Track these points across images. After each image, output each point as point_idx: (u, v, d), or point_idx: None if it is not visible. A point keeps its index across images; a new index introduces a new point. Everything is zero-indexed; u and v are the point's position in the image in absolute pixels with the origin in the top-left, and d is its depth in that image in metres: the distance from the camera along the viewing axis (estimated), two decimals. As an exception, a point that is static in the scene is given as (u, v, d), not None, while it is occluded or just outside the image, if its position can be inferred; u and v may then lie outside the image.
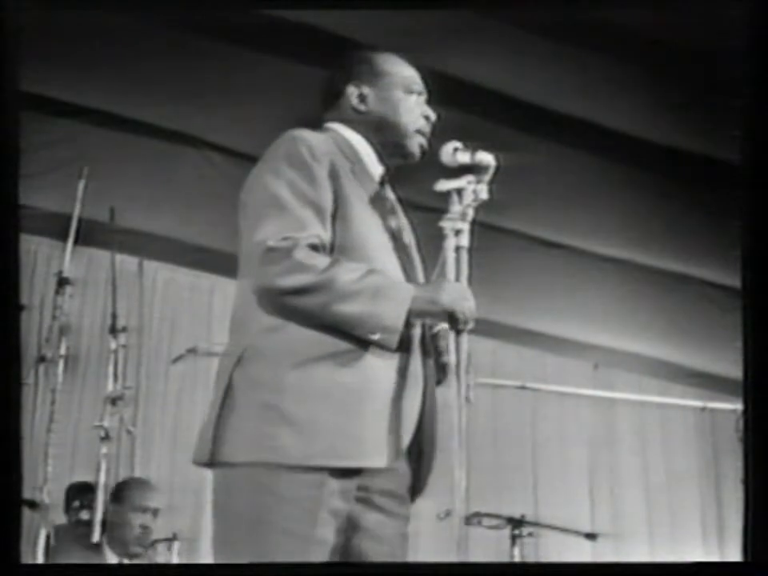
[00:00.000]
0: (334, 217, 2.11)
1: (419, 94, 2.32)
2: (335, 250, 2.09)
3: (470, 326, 2.05)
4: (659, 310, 6.15)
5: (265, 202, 2.14)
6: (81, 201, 4.18)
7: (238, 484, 2.07)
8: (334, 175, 2.13)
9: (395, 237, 2.20)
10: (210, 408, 2.15)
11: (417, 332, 2.14)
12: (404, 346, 2.07)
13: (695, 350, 6.83)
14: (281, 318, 2.07)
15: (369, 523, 2.10)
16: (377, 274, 2.06)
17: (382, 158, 2.29)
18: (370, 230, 2.15)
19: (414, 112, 2.28)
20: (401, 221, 2.29)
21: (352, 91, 2.29)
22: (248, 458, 2.04)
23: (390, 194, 2.31)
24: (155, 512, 4.29)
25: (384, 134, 2.27)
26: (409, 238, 2.29)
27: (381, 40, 4.04)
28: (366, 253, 2.11)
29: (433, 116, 2.32)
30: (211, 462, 2.14)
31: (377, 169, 2.28)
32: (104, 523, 3.97)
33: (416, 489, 2.19)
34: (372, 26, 3.95)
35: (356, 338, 2.02)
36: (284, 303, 2.06)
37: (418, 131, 2.28)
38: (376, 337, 2.00)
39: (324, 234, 2.08)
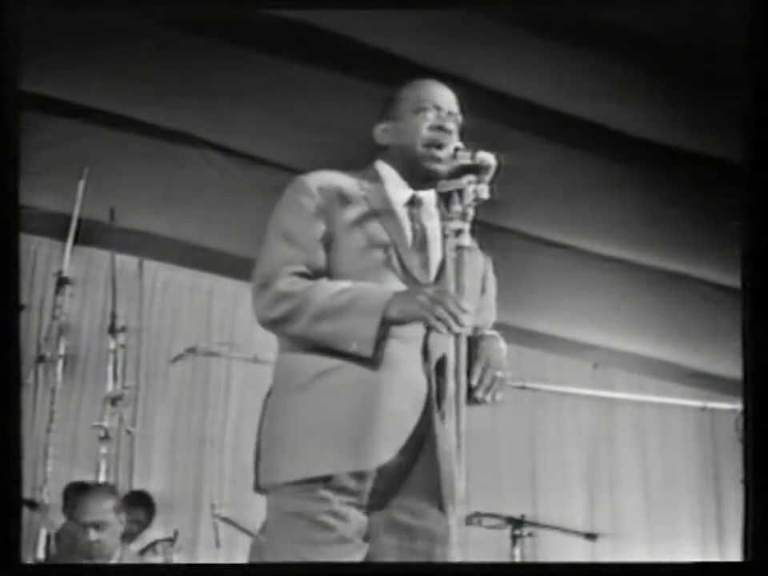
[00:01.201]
0: (329, 243, 2.24)
1: (433, 108, 2.36)
2: (331, 273, 2.23)
3: (459, 329, 2.05)
4: (659, 310, 6.16)
5: (261, 245, 2.31)
6: (81, 201, 4.19)
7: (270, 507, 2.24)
8: (330, 207, 2.26)
9: (400, 257, 2.25)
10: None
11: (414, 337, 2.16)
12: (389, 353, 2.15)
13: (695, 350, 6.84)
14: (288, 346, 2.26)
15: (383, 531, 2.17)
16: (350, 289, 2.16)
17: (411, 184, 2.36)
18: (361, 253, 2.23)
19: (420, 127, 2.34)
20: (426, 239, 2.31)
21: (377, 129, 2.42)
22: (271, 480, 2.21)
23: (424, 216, 2.34)
24: (102, 524, 4.06)
25: (402, 159, 2.37)
26: (430, 257, 2.29)
27: (381, 40, 4.06)
28: (354, 274, 2.21)
29: (448, 124, 2.34)
30: (256, 487, 2.28)
31: (403, 194, 2.35)
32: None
33: (442, 495, 2.20)
34: (372, 27, 3.95)
35: (340, 353, 2.13)
36: (280, 333, 2.25)
37: (429, 144, 2.32)
38: (352, 348, 2.11)
39: (314, 261, 2.23)
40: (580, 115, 4.51)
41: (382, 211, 2.30)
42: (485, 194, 2.09)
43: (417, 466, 2.19)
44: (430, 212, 2.35)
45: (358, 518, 2.14)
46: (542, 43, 4.02)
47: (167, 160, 4.94)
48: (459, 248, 2.05)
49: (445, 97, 2.40)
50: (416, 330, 2.17)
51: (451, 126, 2.34)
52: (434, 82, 2.44)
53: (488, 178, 2.11)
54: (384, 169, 2.39)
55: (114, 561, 4.05)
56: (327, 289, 2.17)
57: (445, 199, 2.33)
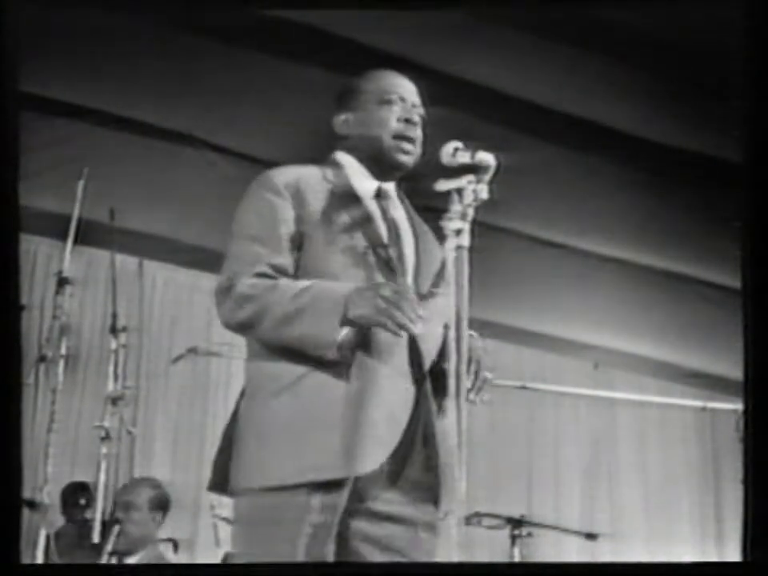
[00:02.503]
0: (298, 241, 2.21)
1: (399, 100, 2.36)
2: (300, 270, 2.20)
3: (415, 332, 2.05)
4: (659, 310, 6.15)
5: (227, 246, 2.27)
6: (81, 201, 4.18)
7: (239, 510, 2.21)
8: (298, 203, 2.23)
9: (376, 250, 2.23)
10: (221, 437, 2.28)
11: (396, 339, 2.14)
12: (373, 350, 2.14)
13: (695, 350, 6.84)
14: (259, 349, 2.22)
15: (375, 533, 2.15)
16: (310, 289, 2.12)
17: (376, 175, 2.35)
18: (335, 249, 2.21)
19: (388, 120, 2.34)
20: (398, 231, 2.30)
21: (336, 120, 2.43)
22: (246, 485, 2.16)
23: (391, 208, 2.34)
24: (131, 507, 4.14)
25: (367, 150, 2.35)
26: (404, 249, 2.29)
27: (381, 40, 4.05)
28: (329, 270, 2.18)
29: (414, 116, 2.35)
30: (217, 489, 2.25)
31: (369, 185, 2.34)
32: (104, 523, 3.97)
33: (437, 494, 2.20)
34: (372, 27, 3.95)
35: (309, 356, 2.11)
36: (248, 336, 2.23)
37: (397, 137, 2.33)
38: (319, 353, 2.09)
39: (281, 260, 2.19)
40: (579, 115, 4.51)
41: (351, 204, 2.28)
42: (484, 193, 2.08)
43: (408, 467, 2.17)
44: (395, 204, 2.36)
45: (334, 522, 2.10)
46: (541, 43, 4.02)
47: (167, 160, 4.93)
48: (459, 248, 2.05)
49: (408, 88, 2.41)
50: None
51: (416, 118, 2.36)
52: (393, 73, 2.45)
53: (487, 177, 2.10)
54: (345, 159, 2.38)
55: (134, 558, 4.05)
56: (287, 290, 2.12)
57: (406, 190, 2.34)
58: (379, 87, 2.40)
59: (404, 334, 2.07)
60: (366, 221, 2.27)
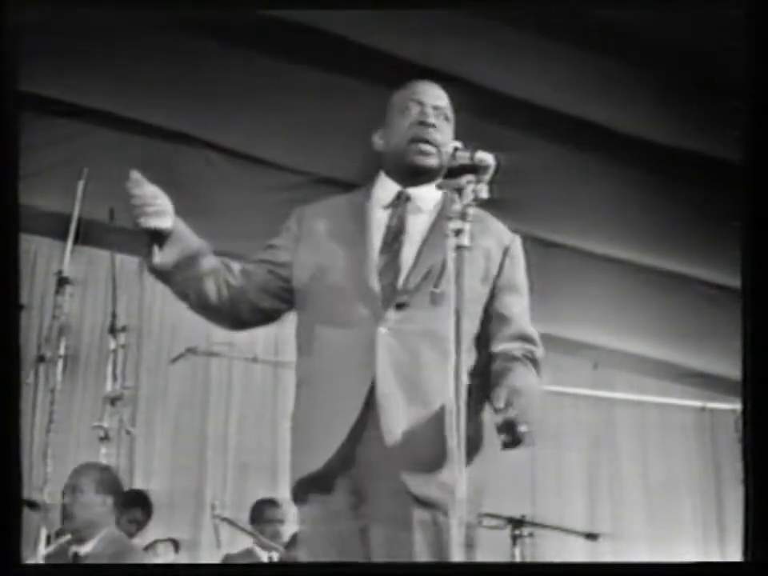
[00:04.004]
0: (289, 271, 2.38)
1: (416, 104, 2.39)
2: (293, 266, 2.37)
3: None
4: (659, 309, 6.15)
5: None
6: (81, 201, 4.18)
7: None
8: (300, 220, 2.42)
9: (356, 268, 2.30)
10: None
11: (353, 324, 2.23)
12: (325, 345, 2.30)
13: (695, 350, 6.83)
14: None
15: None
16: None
17: (403, 183, 2.40)
18: (335, 254, 2.32)
19: (404, 126, 2.37)
20: (401, 236, 2.34)
21: (374, 139, 2.48)
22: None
23: (409, 213, 2.37)
24: (76, 489, 4.10)
25: (392, 161, 2.41)
26: (402, 253, 2.32)
27: (381, 40, 4.05)
28: (323, 268, 2.31)
29: (429, 118, 2.37)
30: None
31: (388, 195, 2.39)
32: None
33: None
34: (372, 27, 3.95)
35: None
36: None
37: (413, 140, 2.36)
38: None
39: (273, 257, 2.40)
40: (580, 115, 4.51)
41: (354, 224, 2.36)
42: (484, 193, 2.08)
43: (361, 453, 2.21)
44: (417, 206, 2.38)
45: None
46: (541, 43, 4.02)
47: (167, 160, 4.93)
48: (459, 248, 2.04)
49: (429, 92, 2.43)
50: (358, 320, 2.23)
51: (433, 119, 2.37)
52: (422, 82, 2.46)
53: (487, 177, 2.10)
54: (379, 176, 2.44)
55: (90, 544, 4.02)
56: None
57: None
58: (401, 98, 2.44)
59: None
60: (359, 236, 2.33)
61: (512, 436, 2.14)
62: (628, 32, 3.91)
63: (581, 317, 6.51)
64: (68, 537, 3.99)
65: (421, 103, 2.39)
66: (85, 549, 3.99)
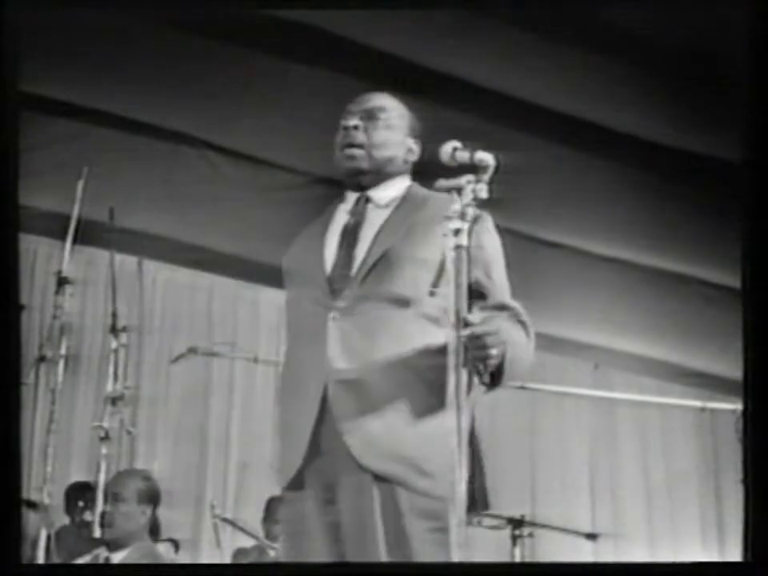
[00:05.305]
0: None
1: (345, 115, 2.47)
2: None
3: None
4: (659, 309, 6.15)
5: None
6: (80, 201, 4.18)
7: None
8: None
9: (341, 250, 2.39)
10: None
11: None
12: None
13: (695, 350, 6.83)
14: None
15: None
16: None
17: (354, 190, 2.49)
18: (300, 259, 2.46)
19: (337, 140, 2.48)
20: (356, 235, 2.41)
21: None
22: None
23: (368, 214, 2.44)
24: (119, 498, 4.09)
25: (337, 172, 2.53)
26: (355, 250, 2.38)
27: (380, 40, 4.05)
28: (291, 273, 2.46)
29: (350, 121, 2.44)
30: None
31: (350, 201, 2.49)
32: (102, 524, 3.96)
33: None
34: (372, 27, 3.95)
35: None
36: None
37: (340, 147, 2.46)
38: None
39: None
40: (580, 115, 4.51)
41: (320, 230, 2.47)
42: (483, 193, 2.08)
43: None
44: (377, 205, 2.45)
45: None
46: (541, 43, 4.02)
47: (167, 160, 4.93)
48: (458, 247, 2.05)
49: (359, 99, 2.50)
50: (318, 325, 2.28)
51: (353, 122, 2.43)
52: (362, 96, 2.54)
53: (487, 177, 2.10)
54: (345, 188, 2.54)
55: (123, 552, 4.02)
56: None
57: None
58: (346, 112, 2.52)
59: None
60: (319, 240, 2.43)
61: (481, 360, 2.12)
62: (628, 32, 3.91)
63: (581, 317, 6.51)
64: (103, 548, 4.01)
65: (349, 111, 2.47)
66: (117, 557, 4.00)
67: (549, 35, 3.96)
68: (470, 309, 2.22)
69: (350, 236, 2.40)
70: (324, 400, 2.24)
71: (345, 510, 2.22)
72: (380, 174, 2.45)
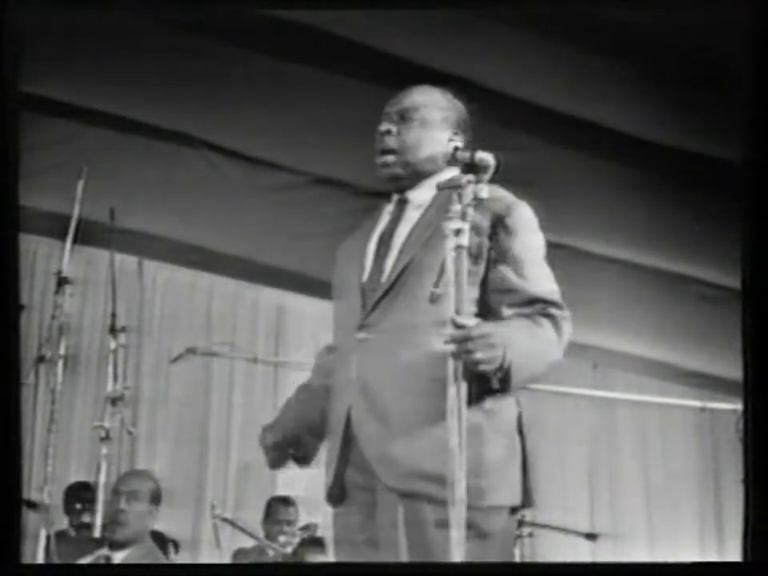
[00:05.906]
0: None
1: (382, 119, 2.42)
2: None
3: None
4: (659, 310, 6.15)
5: None
6: (80, 201, 4.18)
7: None
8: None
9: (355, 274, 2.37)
10: None
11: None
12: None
13: (695, 350, 6.83)
14: None
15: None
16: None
17: (397, 191, 2.43)
18: (344, 271, 2.43)
19: (376, 140, 2.42)
20: (392, 235, 2.37)
21: None
22: None
23: (405, 214, 2.40)
24: (132, 497, 4.15)
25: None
26: (391, 250, 2.35)
27: (380, 40, 4.05)
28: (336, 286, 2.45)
29: (383, 126, 2.40)
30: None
31: (393, 198, 2.44)
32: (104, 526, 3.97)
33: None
34: (372, 27, 3.95)
35: None
36: None
37: (377, 154, 2.40)
38: None
39: None
40: (580, 115, 4.50)
41: (374, 225, 2.43)
42: (484, 193, 2.08)
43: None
44: (414, 206, 2.39)
45: None
46: (542, 43, 4.01)
47: (167, 160, 4.93)
48: (458, 248, 2.05)
49: (394, 99, 2.45)
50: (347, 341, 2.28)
51: (386, 126, 2.39)
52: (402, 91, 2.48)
53: (487, 177, 2.10)
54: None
55: (125, 552, 4.03)
56: None
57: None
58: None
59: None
60: (361, 245, 2.39)
61: (471, 364, 2.09)
62: (629, 32, 3.90)
63: (580, 317, 6.47)
64: (105, 548, 4.01)
65: (383, 114, 2.42)
66: (118, 556, 4.00)
67: (549, 35, 3.96)
68: (499, 306, 2.25)
69: (384, 243, 2.36)
70: (348, 420, 2.25)
71: (381, 528, 2.22)
72: (419, 175, 2.38)
